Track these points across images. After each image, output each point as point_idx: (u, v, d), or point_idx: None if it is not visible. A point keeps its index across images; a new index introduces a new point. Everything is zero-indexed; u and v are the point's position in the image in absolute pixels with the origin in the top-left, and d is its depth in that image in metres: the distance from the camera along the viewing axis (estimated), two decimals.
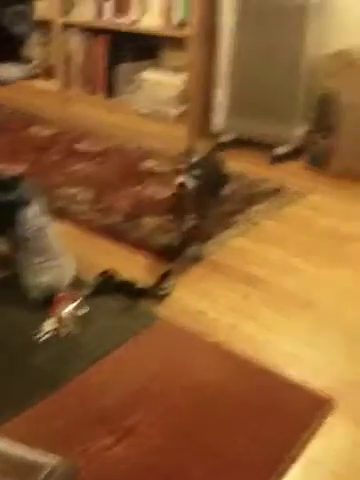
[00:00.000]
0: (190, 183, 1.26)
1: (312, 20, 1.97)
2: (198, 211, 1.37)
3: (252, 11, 2.06)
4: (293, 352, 1.04)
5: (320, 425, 0.87)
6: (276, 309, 1.18)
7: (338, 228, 1.58)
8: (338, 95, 1.92)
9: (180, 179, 1.27)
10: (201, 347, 1.04)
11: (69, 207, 1.64)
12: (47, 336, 1.05)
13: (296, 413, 0.89)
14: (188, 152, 1.33)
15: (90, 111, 2.73)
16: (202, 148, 1.39)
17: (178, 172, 1.29)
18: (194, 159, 1.30)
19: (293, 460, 0.80)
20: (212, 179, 1.42)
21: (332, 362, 1.02)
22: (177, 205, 1.38)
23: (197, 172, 1.28)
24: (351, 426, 0.87)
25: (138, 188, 1.81)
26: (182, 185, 1.27)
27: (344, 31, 2.06)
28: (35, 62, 2.98)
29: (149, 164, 2.05)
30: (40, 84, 2.98)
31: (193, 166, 1.28)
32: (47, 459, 0.71)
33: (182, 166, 1.29)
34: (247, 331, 1.10)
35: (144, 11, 2.44)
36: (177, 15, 2.32)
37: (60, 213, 1.59)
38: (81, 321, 1.09)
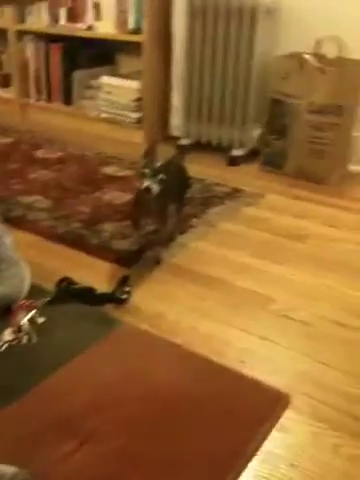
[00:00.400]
0: (155, 188, 1.26)
1: (263, 22, 2.01)
2: (159, 215, 1.38)
3: (203, 15, 2.09)
4: (251, 349, 1.07)
5: (278, 420, 0.89)
6: (234, 308, 1.21)
7: (294, 227, 1.63)
8: (289, 97, 1.98)
9: (146, 183, 1.26)
10: (161, 350, 1.06)
11: (28, 215, 1.63)
12: (6, 346, 1.04)
13: (254, 410, 0.91)
14: (149, 155, 1.32)
15: (48, 118, 2.72)
16: (164, 151, 1.39)
17: (142, 176, 1.28)
18: (158, 163, 1.29)
19: (252, 455, 0.82)
20: (176, 183, 1.43)
21: (289, 358, 1.06)
22: (137, 209, 1.39)
23: (162, 176, 1.28)
24: (308, 420, 0.90)
25: (97, 194, 1.82)
26: (147, 190, 1.27)
27: (296, 33, 2.12)
28: None
29: (108, 170, 2.06)
30: None
31: (158, 170, 1.28)
32: (5, 469, 0.71)
33: (146, 170, 1.28)
34: (206, 331, 1.12)
35: (99, 17, 2.45)
36: (131, 21, 2.34)
37: (19, 221, 1.59)
38: (41, 330, 1.09)
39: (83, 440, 0.82)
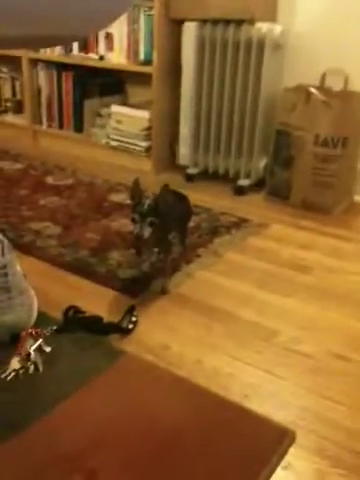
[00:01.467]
0: (146, 232, 1.27)
1: (270, 55, 2.06)
2: (160, 246, 1.40)
3: (211, 47, 2.15)
4: (256, 383, 1.08)
5: (283, 457, 0.89)
6: (239, 341, 1.22)
7: (298, 258, 1.65)
8: (295, 129, 2.01)
9: (136, 230, 1.27)
10: (165, 383, 1.06)
11: (37, 242, 1.66)
12: (13, 375, 1.06)
13: (258, 447, 0.91)
14: (135, 196, 1.31)
15: (59, 145, 2.77)
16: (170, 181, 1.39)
17: (132, 221, 1.28)
18: (145, 206, 1.28)
19: None
20: (176, 214, 1.45)
21: (293, 393, 1.06)
22: (138, 241, 1.41)
23: (151, 218, 1.27)
24: (314, 458, 0.90)
25: (105, 221, 1.85)
26: (138, 237, 1.28)
27: (302, 66, 2.17)
28: None
29: (116, 197, 2.09)
30: (10, 118, 3.02)
31: (146, 214, 1.27)
32: None
33: (135, 215, 1.27)
34: (211, 364, 1.13)
35: (110, 48, 2.52)
36: (142, 52, 2.41)
37: (28, 248, 1.61)
38: (46, 359, 1.10)
39: (87, 476, 0.83)
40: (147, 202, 1.29)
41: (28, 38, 0.53)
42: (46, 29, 0.53)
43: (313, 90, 1.97)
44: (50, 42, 0.61)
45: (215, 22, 2.11)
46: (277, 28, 2.07)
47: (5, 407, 0.97)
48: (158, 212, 1.29)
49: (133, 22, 2.40)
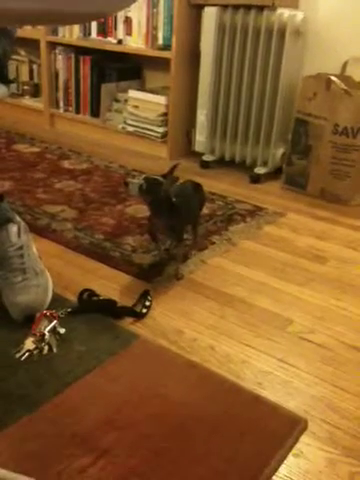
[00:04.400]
0: (134, 187, 1.29)
1: (291, 43, 2.03)
2: (175, 234, 1.40)
3: (231, 33, 2.12)
4: (269, 371, 1.08)
5: (295, 445, 0.89)
6: (253, 328, 1.22)
7: (314, 248, 1.63)
8: (314, 118, 1.99)
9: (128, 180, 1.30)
10: (178, 368, 1.07)
11: (52, 225, 1.67)
12: (27, 355, 1.07)
13: (270, 433, 0.91)
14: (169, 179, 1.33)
15: (75, 129, 2.77)
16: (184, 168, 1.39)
17: (125, 184, 1.30)
18: (154, 178, 1.30)
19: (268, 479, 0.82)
20: (190, 201, 1.45)
21: (306, 381, 1.06)
22: (153, 226, 1.42)
23: (143, 182, 1.29)
24: (325, 446, 0.90)
25: (120, 207, 1.85)
26: (126, 183, 1.29)
27: (323, 54, 2.14)
28: (15, 83, 3.02)
29: None
30: (27, 102, 3.02)
31: (147, 180, 1.29)
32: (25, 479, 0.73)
33: (131, 179, 1.30)
34: (224, 351, 1.13)
35: (129, 32, 2.50)
36: (161, 37, 2.39)
37: (44, 231, 1.62)
38: (60, 341, 1.11)
39: (98, 455, 0.83)
40: (160, 179, 1.30)
41: (51, 14, 0.52)
42: (71, 5, 0.52)
43: (334, 78, 1.94)
44: (74, 19, 0.60)
45: (236, 7, 2.08)
46: (299, 15, 2.04)
47: (19, 386, 0.98)
48: (182, 191, 1.32)
49: (152, 6, 2.38)
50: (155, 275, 1.41)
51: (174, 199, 1.30)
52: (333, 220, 1.85)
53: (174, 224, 1.36)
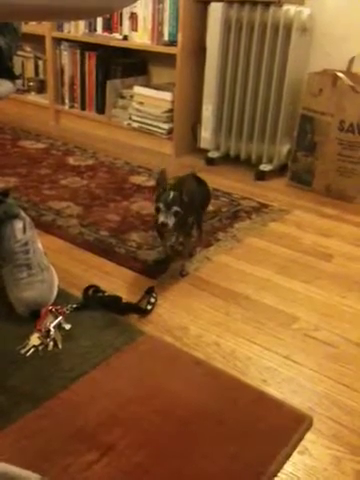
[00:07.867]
0: (170, 222, 1.27)
1: (297, 39, 2.02)
2: (181, 230, 1.40)
3: (237, 29, 2.12)
4: (273, 368, 1.08)
5: (300, 442, 0.89)
6: (258, 325, 1.21)
7: (319, 245, 1.63)
8: (320, 114, 1.98)
9: (161, 219, 1.27)
10: (183, 364, 1.07)
11: (57, 221, 1.67)
12: (32, 350, 1.07)
13: (275, 430, 0.91)
14: (160, 186, 1.32)
15: (81, 125, 2.77)
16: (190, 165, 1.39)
17: (157, 210, 1.28)
18: (170, 196, 1.28)
19: (273, 476, 0.82)
20: (196, 199, 1.44)
21: (311, 379, 1.06)
22: (161, 230, 1.41)
23: (175, 209, 1.27)
24: (330, 444, 0.90)
25: (126, 203, 1.85)
26: (164, 225, 1.28)
27: (329, 51, 2.12)
28: (20, 79, 3.02)
29: (137, 179, 2.09)
30: (32, 98, 3.02)
31: (171, 203, 1.27)
32: (29, 474, 0.73)
33: (160, 205, 1.27)
34: (229, 347, 1.13)
35: (135, 28, 2.49)
36: (166, 33, 2.38)
37: (49, 227, 1.62)
38: (65, 337, 1.11)
39: (104, 451, 0.84)
40: (172, 193, 1.28)
41: (58, 9, 0.52)
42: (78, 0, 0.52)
43: (340, 75, 1.93)
44: (80, 14, 0.59)
45: (242, 3, 2.07)
46: (305, 11, 2.02)
47: (24, 382, 0.98)
48: (182, 202, 1.29)
49: (158, 2, 2.37)
50: (160, 272, 1.41)
51: (176, 209, 1.29)
52: (339, 217, 1.84)
53: (183, 220, 1.36)
